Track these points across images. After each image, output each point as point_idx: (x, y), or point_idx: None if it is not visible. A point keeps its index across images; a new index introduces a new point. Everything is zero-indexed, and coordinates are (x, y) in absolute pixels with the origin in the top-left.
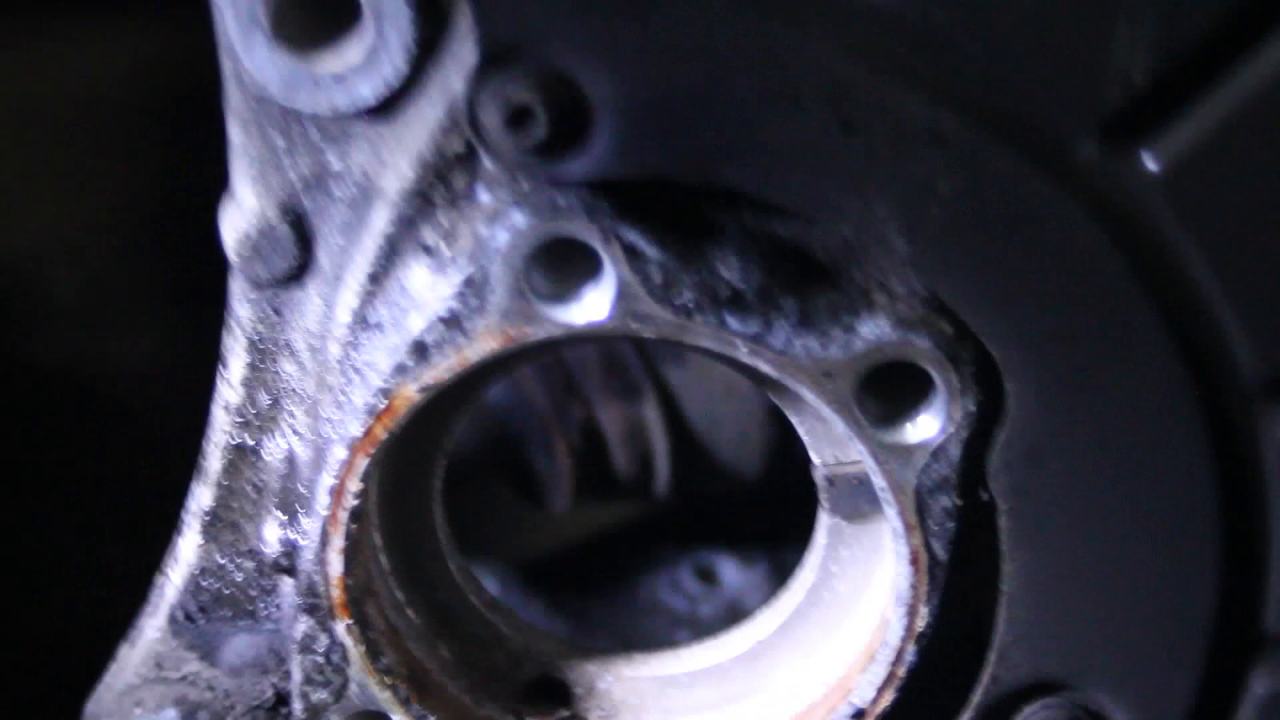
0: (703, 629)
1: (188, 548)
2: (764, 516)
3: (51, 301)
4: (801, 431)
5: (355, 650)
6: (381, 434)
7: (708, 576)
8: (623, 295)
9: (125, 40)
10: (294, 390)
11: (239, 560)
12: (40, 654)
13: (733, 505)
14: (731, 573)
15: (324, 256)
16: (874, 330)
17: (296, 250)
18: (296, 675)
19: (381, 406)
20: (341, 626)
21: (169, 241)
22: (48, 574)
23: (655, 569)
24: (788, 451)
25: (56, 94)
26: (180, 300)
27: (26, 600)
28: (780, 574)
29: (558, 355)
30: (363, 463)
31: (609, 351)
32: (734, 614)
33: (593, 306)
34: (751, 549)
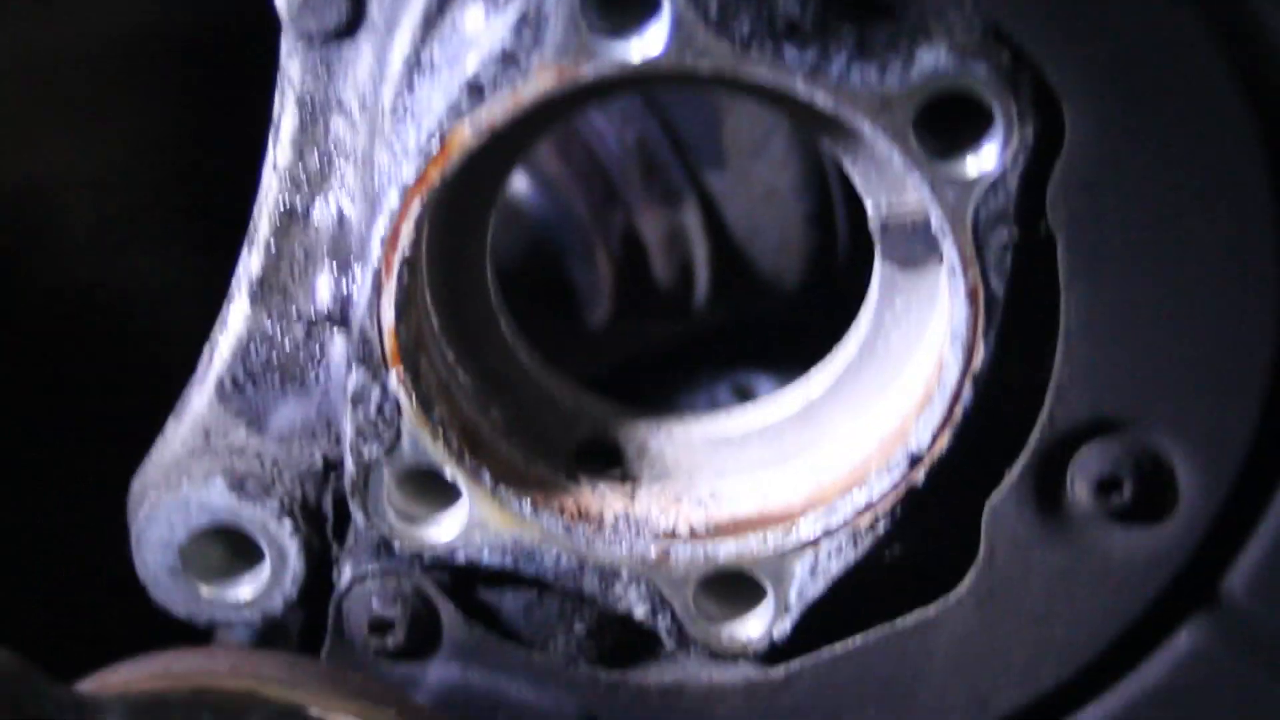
0: None
1: (236, 314)
2: (802, 336)
3: (69, 229)
4: (855, 175)
5: (407, 401)
6: (435, 177)
7: (746, 395)
8: (679, 27)
9: None
10: (344, 148)
11: (288, 325)
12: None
13: (771, 325)
14: (769, 392)
15: (374, 7)
16: (932, 59)
17: (347, 1)
18: (348, 430)
19: (435, 149)
20: (394, 377)
21: (188, 175)
22: (60, 502)
23: (693, 388)
24: (826, 265)
25: (75, 37)
26: (191, 230)
27: (35, 525)
28: None
29: (596, 160)
30: (416, 208)
31: (649, 155)
32: None
33: (650, 40)
34: (789, 368)
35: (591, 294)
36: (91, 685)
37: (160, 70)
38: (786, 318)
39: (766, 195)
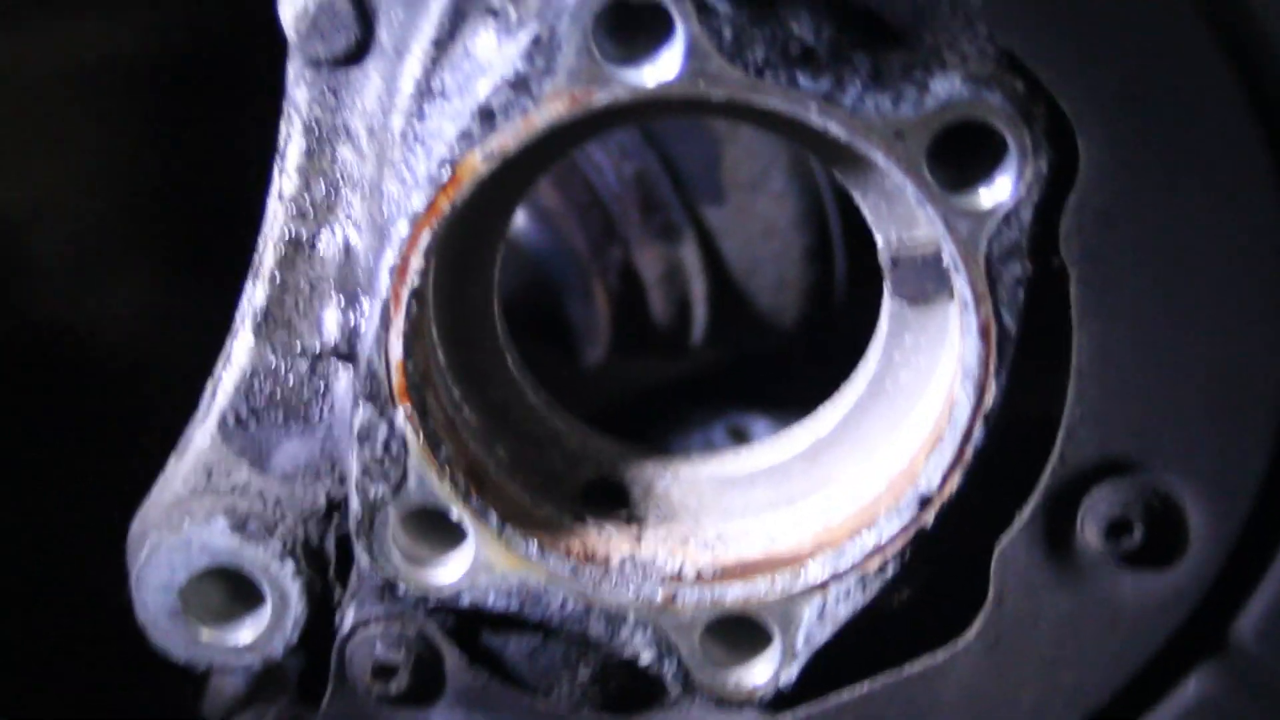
0: None
1: (240, 349)
2: (797, 378)
3: (42, 258)
4: (866, 209)
5: (414, 439)
6: (445, 206)
7: (740, 436)
8: (693, 53)
9: (119, 11)
10: (351, 177)
11: (292, 359)
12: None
13: (766, 365)
14: (764, 433)
15: (384, 32)
16: (946, 87)
17: (356, 25)
18: (354, 468)
19: (446, 177)
20: (401, 414)
21: (157, 204)
22: (31, 533)
23: (688, 428)
24: (824, 302)
25: (50, 64)
26: (167, 260)
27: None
28: None
29: (595, 196)
30: (426, 237)
31: (647, 190)
32: None
33: (662, 66)
34: (784, 410)
35: (588, 330)
36: None
37: (134, 97)
38: (784, 356)
39: (765, 231)
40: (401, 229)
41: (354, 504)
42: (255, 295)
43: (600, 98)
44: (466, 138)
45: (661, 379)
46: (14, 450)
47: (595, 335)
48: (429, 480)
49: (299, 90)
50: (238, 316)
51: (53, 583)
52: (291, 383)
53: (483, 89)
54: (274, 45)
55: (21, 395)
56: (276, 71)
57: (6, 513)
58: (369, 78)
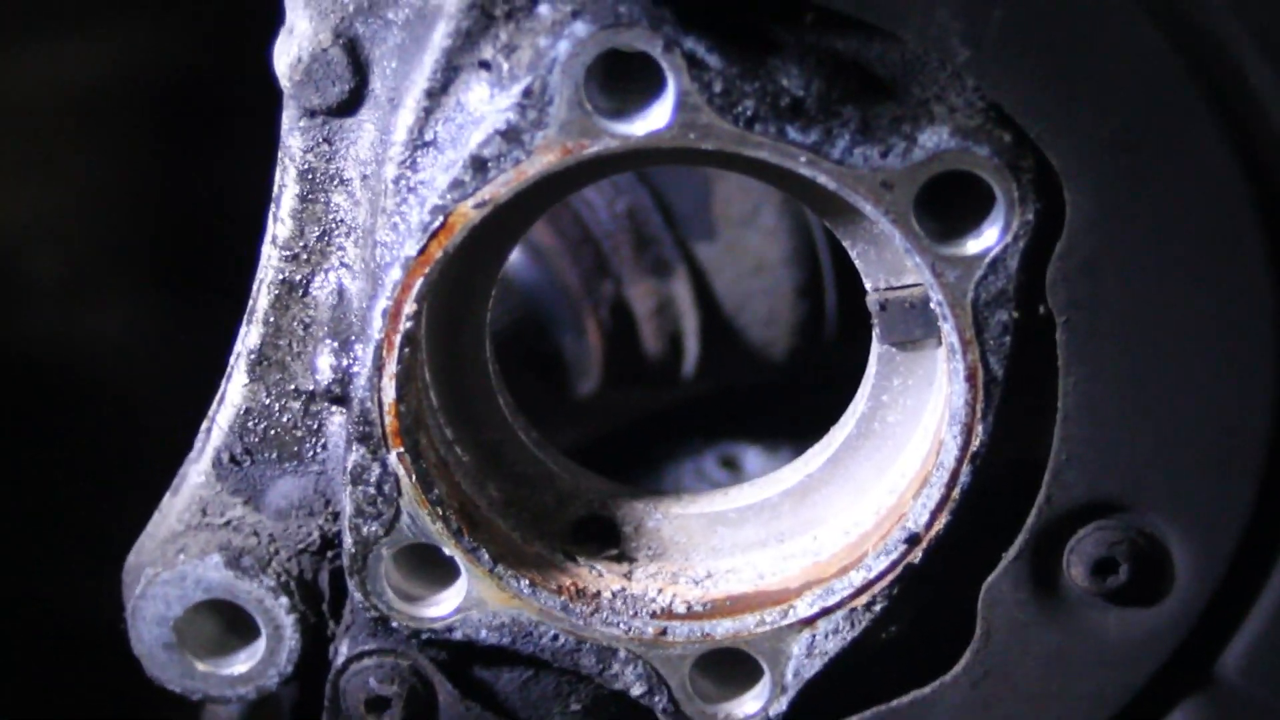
0: None
1: (234, 389)
2: (789, 408)
3: (29, 281)
4: (855, 255)
5: (407, 480)
6: (437, 253)
7: (732, 465)
8: (683, 105)
9: (113, 39)
10: (345, 223)
11: (286, 400)
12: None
13: (759, 395)
14: (756, 463)
15: (378, 82)
16: (934, 139)
17: (350, 75)
18: (348, 508)
19: (438, 225)
20: (394, 456)
21: (150, 227)
22: (26, 549)
23: (680, 458)
24: (815, 337)
25: (45, 87)
26: (159, 282)
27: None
28: None
29: (587, 231)
30: (418, 283)
31: (639, 226)
32: None
33: (653, 117)
34: (776, 439)
35: (580, 363)
36: None
37: (129, 121)
38: (775, 388)
39: (756, 267)
40: (394, 274)
41: (347, 542)
42: (249, 337)
43: (591, 148)
44: (458, 187)
45: (653, 409)
46: (4, 468)
47: (587, 368)
48: (421, 520)
49: (293, 138)
50: (232, 358)
51: (42, 602)
52: (285, 422)
53: (475, 140)
54: (265, 74)
55: (12, 413)
56: (270, 98)
57: None
58: (363, 127)
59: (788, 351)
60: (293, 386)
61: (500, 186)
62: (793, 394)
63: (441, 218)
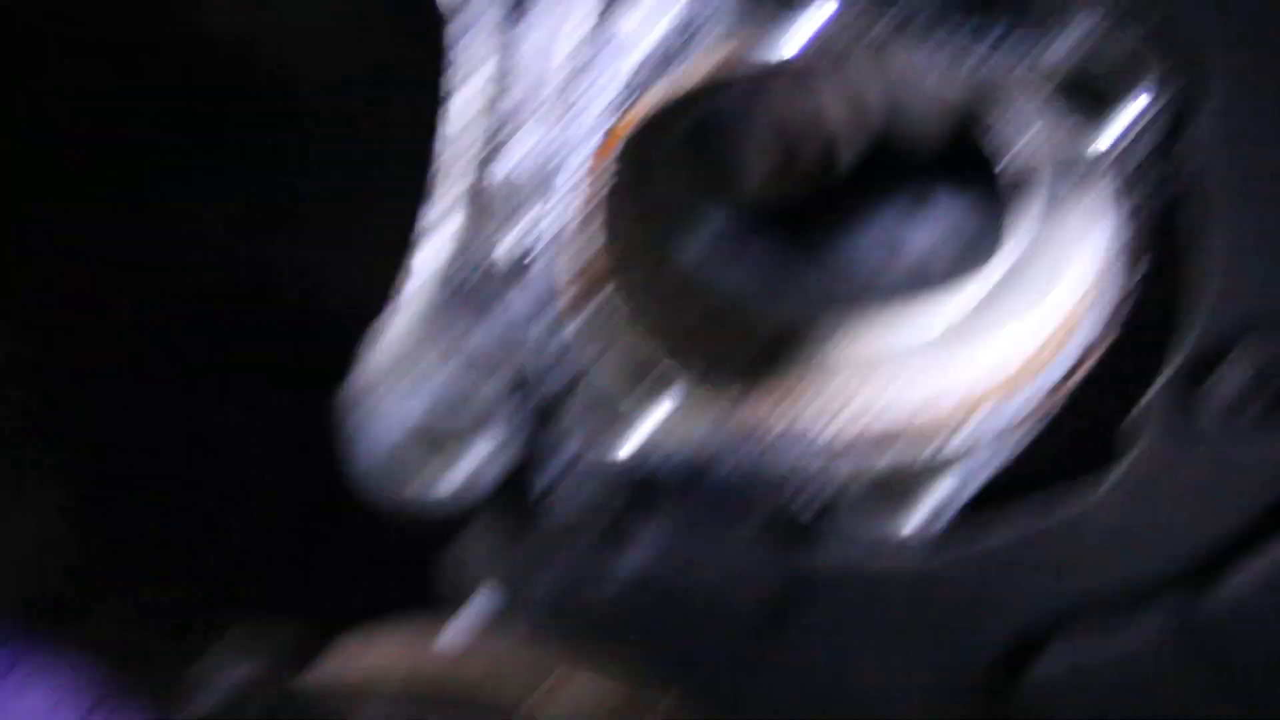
0: None
1: (427, 248)
2: None
3: None
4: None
5: (593, 332)
6: (628, 122)
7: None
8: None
9: None
10: (521, 113)
11: (476, 262)
12: None
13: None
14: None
15: None
16: (1085, 24)
17: None
18: (532, 368)
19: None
20: (576, 320)
21: None
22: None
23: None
24: None
25: None
26: None
27: None
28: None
29: None
30: (614, 146)
31: None
32: None
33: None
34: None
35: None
36: (341, 670)
37: None
38: None
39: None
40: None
41: (530, 402)
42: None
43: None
44: (643, 75)
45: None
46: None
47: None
48: (608, 369)
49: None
50: (423, 220)
51: None
52: (476, 280)
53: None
54: None
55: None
56: None
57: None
58: (540, 21)
59: None
60: (482, 252)
61: (681, 78)
62: None
63: (628, 103)
